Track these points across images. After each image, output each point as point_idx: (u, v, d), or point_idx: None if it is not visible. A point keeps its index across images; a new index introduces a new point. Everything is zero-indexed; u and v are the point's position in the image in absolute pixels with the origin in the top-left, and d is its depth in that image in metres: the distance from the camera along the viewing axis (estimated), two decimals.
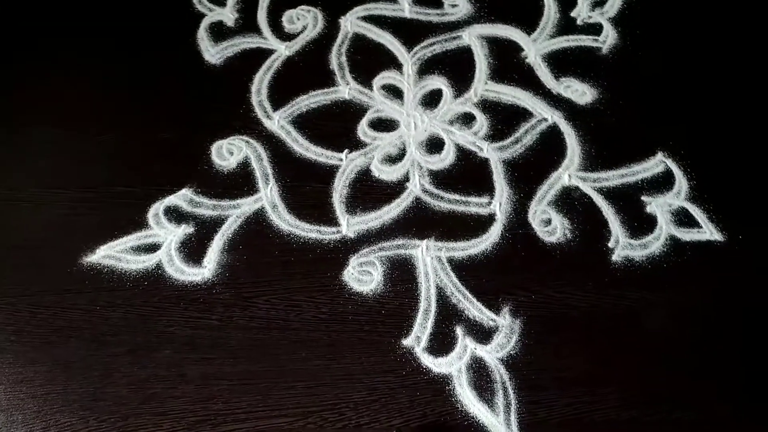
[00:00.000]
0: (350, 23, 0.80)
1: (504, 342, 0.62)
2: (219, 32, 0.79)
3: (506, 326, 0.63)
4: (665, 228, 0.67)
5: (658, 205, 0.68)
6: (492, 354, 0.62)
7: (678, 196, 0.69)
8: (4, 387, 0.60)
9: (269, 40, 0.79)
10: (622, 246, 0.66)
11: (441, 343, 0.62)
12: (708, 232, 0.67)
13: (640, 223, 0.68)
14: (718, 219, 0.68)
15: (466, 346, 0.62)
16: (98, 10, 0.81)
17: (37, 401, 0.60)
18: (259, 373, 0.61)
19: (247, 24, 0.80)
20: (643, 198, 0.69)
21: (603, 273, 0.65)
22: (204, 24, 0.80)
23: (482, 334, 0.63)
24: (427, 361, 0.62)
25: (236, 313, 0.63)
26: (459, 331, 0.63)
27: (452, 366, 0.61)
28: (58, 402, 0.60)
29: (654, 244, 0.67)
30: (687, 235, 0.67)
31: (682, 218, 0.68)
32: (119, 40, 0.78)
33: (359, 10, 0.81)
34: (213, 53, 0.78)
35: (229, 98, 0.75)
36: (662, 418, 0.59)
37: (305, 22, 0.80)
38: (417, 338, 0.62)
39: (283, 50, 0.78)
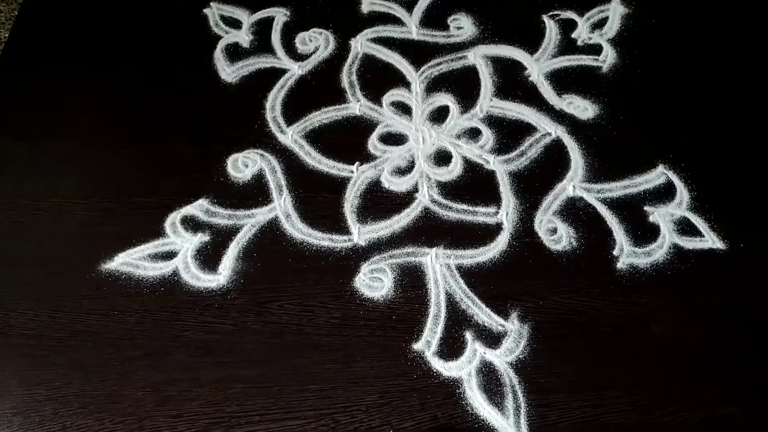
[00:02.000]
0: (360, 44, 0.83)
1: (513, 346, 0.63)
2: (235, 53, 0.83)
3: (515, 331, 0.64)
4: (668, 237, 0.69)
5: (660, 215, 0.70)
6: (501, 358, 0.63)
7: (679, 206, 0.71)
8: (22, 389, 0.61)
9: (283, 60, 0.82)
10: (627, 254, 0.68)
11: (451, 348, 0.63)
12: (710, 240, 0.69)
13: (643, 232, 0.70)
14: (720, 228, 0.70)
15: (475, 350, 0.63)
16: (119, 31, 0.85)
17: (54, 403, 0.61)
18: (272, 377, 0.62)
19: (261, 45, 0.84)
20: (646, 208, 0.71)
21: (609, 280, 0.67)
22: (220, 45, 0.83)
23: (491, 338, 0.64)
24: (438, 365, 0.63)
25: (250, 318, 0.65)
26: (468, 335, 0.64)
27: (462, 370, 0.62)
28: (74, 404, 0.60)
29: (658, 252, 0.69)
30: (689, 243, 0.69)
31: (684, 227, 0.70)
32: (139, 59, 0.82)
33: (369, 32, 0.84)
34: (229, 72, 0.81)
35: (244, 114, 0.78)
36: (670, 421, 0.60)
37: (317, 43, 0.83)
38: (427, 342, 0.64)
39: (296, 69, 0.81)
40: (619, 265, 0.68)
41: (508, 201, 0.71)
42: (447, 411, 0.61)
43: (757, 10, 0.87)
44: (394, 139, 0.76)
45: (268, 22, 0.86)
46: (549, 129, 0.76)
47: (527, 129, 0.76)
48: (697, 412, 0.61)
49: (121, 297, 0.66)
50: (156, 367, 0.63)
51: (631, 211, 0.71)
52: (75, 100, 0.80)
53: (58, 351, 0.63)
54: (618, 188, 0.72)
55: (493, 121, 0.77)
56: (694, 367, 0.63)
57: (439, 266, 0.68)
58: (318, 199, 0.72)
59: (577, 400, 0.61)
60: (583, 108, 0.78)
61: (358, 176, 0.73)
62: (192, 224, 0.70)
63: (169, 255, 0.68)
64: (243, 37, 0.84)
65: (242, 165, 0.74)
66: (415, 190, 0.73)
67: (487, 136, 0.76)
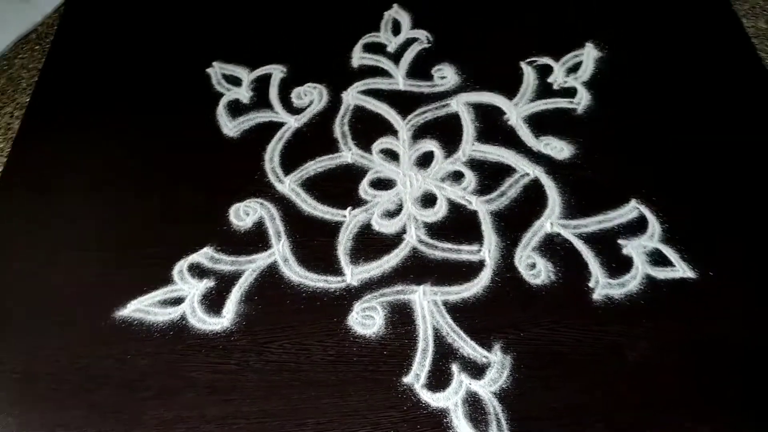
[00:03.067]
0: (351, 96, 0.90)
1: (496, 377, 0.68)
2: (236, 109, 0.90)
3: (498, 362, 0.69)
4: (641, 268, 0.74)
5: (633, 248, 0.75)
6: (485, 388, 0.67)
7: (652, 238, 0.76)
8: (44, 431, 0.67)
9: (280, 114, 0.89)
10: (602, 285, 0.72)
11: (438, 380, 0.68)
12: (681, 270, 0.73)
13: (617, 265, 0.74)
14: (690, 258, 0.74)
15: (461, 381, 0.68)
16: (129, 92, 0.92)
17: None
18: (273, 412, 0.67)
19: (260, 101, 0.91)
20: (620, 241, 0.76)
21: (585, 311, 0.71)
22: (222, 102, 0.90)
23: (476, 370, 0.68)
24: (426, 396, 0.67)
25: (252, 358, 0.70)
26: (455, 368, 0.68)
27: (449, 400, 0.67)
28: None
29: (631, 282, 0.73)
30: (661, 273, 0.73)
31: (657, 258, 0.74)
32: (146, 119, 0.90)
33: (359, 85, 0.91)
34: (230, 127, 0.88)
35: (245, 166, 0.84)
36: None
37: (312, 97, 0.90)
38: (416, 376, 0.68)
39: (292, 122, 0.88)
40: (595, 296, 0.72)
41: (490, 239, 0.76)
42: None
43: (724, 52, 0.92)
44: (383, 184, 0.82)
45: (266, 79, 0.93)
46: (527, 170, 0.81)
47: (507, 170, 0.82)
48: None
49: (133, 341, 0.72)
50: (166, 406, 0.68)
51: (606, 244, 0.75)
52: (88, 156, 0.87)
53: (77, 394, 0.69)
54: (593, 223, 0.77)
55: (474, 164, 0.83)
56: (667, 391, 0.66)
57: (427, 303, 0.72)
58: (313, 243, 0.78)
59: (557, 426, 0.65)
60: (559, 149, 0.83)
61: (350, 220, 0.79)
62: (198, 271, 0.76)
63: (177, 301, 0.74)
64: (243, 94, 0.91)
65: (243, 214, 0.80)
66: (404, 231, 0.78)
67: (470, 178, 0.81)
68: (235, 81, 0.93)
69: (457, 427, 0.65)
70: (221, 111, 0.90)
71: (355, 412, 0.67)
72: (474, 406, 0.66)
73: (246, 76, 0.93)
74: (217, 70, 0.94)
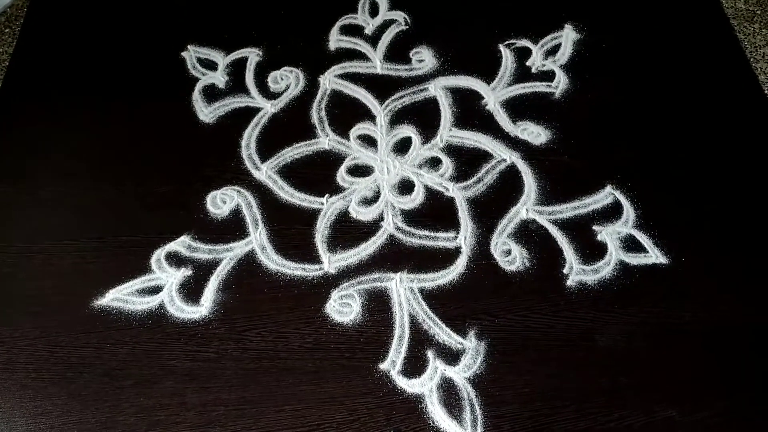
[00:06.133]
0: (328, 81, 0.89)
1: (470, 363, 0.69)
2: (211, 94, 0.89)
3: (472, 348, 0.70)
4: (615, 254, 0.75)
5: (607, 234, 0.76)
6: (460, 374, 0.69)
7: (626, 224, 0.77)
8: (26, 419, 0.68)
9: (257, 100, 0.88)
10: (576, 272, 0.74)
11: (414, 366, 0.69)
12: (654, 256, 0.75)
13: (591, 251, 0.75)
14: (663, 244, 0.75)
15: (436, 367, 0.69)
16: (101, 78, 0.91)
17: (54, 431, 0.67)
18: (251, 399, 0.68)
19: (236, 86, 0.90)
20: (594, 227, 0.77)
21: (558, 297, 0.73)
22: (198, 87, 0.89)
23: (451, 356, 0.70)
24: (402, 382, 0.68)
25: (231, 346, 0.71)
26: (430, 354, 0.70)
27: (424, 386, 0.68)
28: (73, 431, 0.67)
29: (605, 269, 0.74)
30: (634, 259, 0.75)
31: (630, 244, 0.75)
32: (121, 105, 0.88)
33: (336, 69, 0.90)
34: (206, 113, 0.87)
35: (221, 153, 0.84)
36: (614, 426, 0.66)
37: (288, 81, 0.89)
38: (392, 362, 0.69)
39: (269, 108, 0.87)
40: (569, 282, 0.73)
41: (466, 226, 0.77)
42: (410, 425, 0.66)
43: (703, 34, 0.92)
44: (360, 171, 0.82)
45: (242, 63, 0.92)
46: (504, 155, 0.82)
47: (484, 156, 0.82)
48: (640, 417, 0.66)
49: (112, 330, 0.72)
50: (146, 394, 0.69)
51: (581, 230, 0.76)
52: (62, 142, 0.86)
53: (57, 383, 0.69)
54: (568, 209, 0.78)
55: (452, 150, 0.83)
56: (636, 375, 0.68)
57: (403, 290, 0.73)
58: (291, 231, 0.78)
59: (528, 410, 0.67)
60: (536, 134, 0.83)
61: (327, 208, 0.79)
62: (175, 260, 0.76)
63: (156, 290, 0.74)
64: (219, 79, 0.90)
65: (220, 201, 0.80)
66: (381, 218, 0.78)
67: (447, 164, 0.81)
68: (211, 65, 0.92)
69: (431, 412, 0.67)
70: (197, 96, 0.89)
71: (332, 398, 0.68)
72: (448, 391, 0.68)
73: (221, 60, 0.92)
74: (191, 54, 0.92)
